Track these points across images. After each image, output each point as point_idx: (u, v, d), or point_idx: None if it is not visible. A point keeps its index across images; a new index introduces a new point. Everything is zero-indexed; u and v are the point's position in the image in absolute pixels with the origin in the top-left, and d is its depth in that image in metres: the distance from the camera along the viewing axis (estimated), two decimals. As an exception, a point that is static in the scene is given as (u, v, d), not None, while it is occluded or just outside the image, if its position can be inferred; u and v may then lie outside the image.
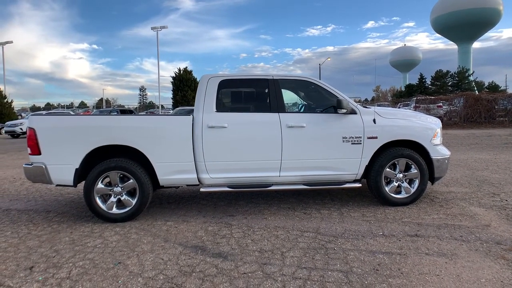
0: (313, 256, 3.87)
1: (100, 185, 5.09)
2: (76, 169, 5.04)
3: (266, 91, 5.54)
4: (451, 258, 3.72)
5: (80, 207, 5.99)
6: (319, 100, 5.96)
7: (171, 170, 5.18)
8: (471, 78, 55.26)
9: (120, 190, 5.15)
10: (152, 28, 48.79)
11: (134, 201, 5.15)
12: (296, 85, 6.26)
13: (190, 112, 5.51)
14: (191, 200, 6.38)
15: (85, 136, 5.04)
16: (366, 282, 3.27)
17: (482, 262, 3.62)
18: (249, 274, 3.48)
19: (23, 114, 48.49)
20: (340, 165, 5.42)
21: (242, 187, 5.34)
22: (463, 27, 66.85)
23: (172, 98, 44.14)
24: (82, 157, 5.02)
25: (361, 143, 5.40)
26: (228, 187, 5.30)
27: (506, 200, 5.80)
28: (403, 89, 73.32)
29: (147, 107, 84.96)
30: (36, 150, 5.00)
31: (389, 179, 5.61)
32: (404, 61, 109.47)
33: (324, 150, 5.37)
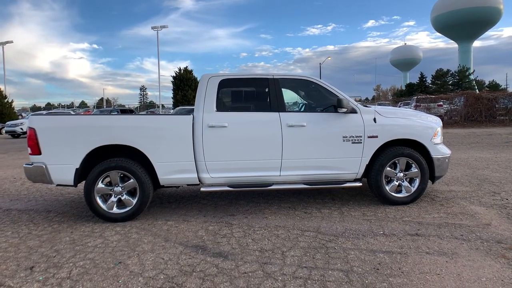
0: (314, 255, 3.86)
1: (100, 184, 5.09)
2: (77, 169, 5.04)
3: (266, 90, 5.54)
4: (452, 257, 3.72)
5: (81, 207, 5.99)
6: (319, 99, 5.96)
7: (172, 170, 5.18)
8: (472, 77, 55.21)
9: (120, 189, 5.15)
10: (153, 28, 48.76)
11: (134, 201, 5.15)
12: (296, 84, 6.26)
13: (191, 112, 5.51)
14: (191, 199, 6.38)
15: (85, 136, 5.04)
16: (366, 281, 3.27)
17: (482, 261, 3.61)
18: (250, 274, 3.48)
19: (23, 114, 48.52)
20: (341, 164, 5.42)
21: (243, 186, 5.34)
22: (464, 26, 66.79)
23: (172, 98, 44.17)
24: (83, 157, 5.02)
25: (361, 142, 5.39)
26: (229, 186, 5.30)
27: (507, 199, 5.79)
28: (403, 88, 73.41)
29: (147, 107, 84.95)
30: (36, 150, 5.00)
31: (389, 178, 5.60)
32: (404, 60, 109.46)
33: (325, 149, 5.36)
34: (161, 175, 5.17)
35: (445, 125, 23.69)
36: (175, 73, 43.69)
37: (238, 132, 5.25)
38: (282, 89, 5.59)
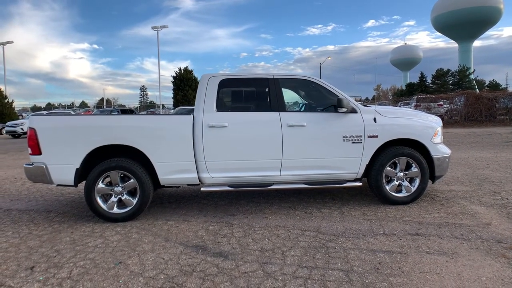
0: (314, 255, 3.87)
1: (101, 185, 5.09)
2: (77, 169, 5.04)
3: (267, 90, 5.54)
4: (452, 257, 3.72)
5: (81, 207, 5.99)
6: (319, 99, 5.95)
7: (172, 170, 5.18)
8: (472, 76, 55.24)
9: (120, 189, 5.15)
10: (153, 28, 48.74)
11: (135, 201, 5.15)
12: (297, 84, 6.26)
13: (191, 112, 5.51)
14: (192, 199, 6.38)
15: (85, 136, 5.04)
16: (366, 281, 3.27)
17: (482, 261, 3.61)
18: (250, 274, 3.48)
19: (24, 114, 48.49)
20: (341, 164, 5.42)
21: (243, 186, 5.34)
22: (464, 26, 66.87)
23: (172, 98, 44.20)
24: (83, 157, 5.02)
25: (361, 142, 5.40)
26: (229, 186, 5.30)
27: (507, 199, 5.79)
28: (404, 88, 73.47)
29: (148, 107, 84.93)
30: (36, 150, 5.01)
31: (389, 178, 5.60)
32: (404, 60, 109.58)
33: (325, 149, 5.36)
34: (161, 175, 5.17)
35: (445, 124, 23.70)
36: (175, 73, 43.74)
37: (238, 132, 5.26)
38: (282, 89, 5.59)
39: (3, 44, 52.93)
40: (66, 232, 4.83)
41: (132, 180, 5.11)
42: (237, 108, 5.80)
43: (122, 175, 5.14)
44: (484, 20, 66.20)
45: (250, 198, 6.30)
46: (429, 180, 5.70)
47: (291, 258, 3.81)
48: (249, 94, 5.99)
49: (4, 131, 29.55)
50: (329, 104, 5.54)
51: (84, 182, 5.18)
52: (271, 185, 5.36)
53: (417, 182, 5.58)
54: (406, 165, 5.56)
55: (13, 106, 42.90)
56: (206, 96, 5.36)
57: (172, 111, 37.66)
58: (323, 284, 3.24)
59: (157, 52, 50.86)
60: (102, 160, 5.15)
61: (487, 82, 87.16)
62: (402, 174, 5.56)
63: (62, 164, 5.04)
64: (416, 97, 32.58)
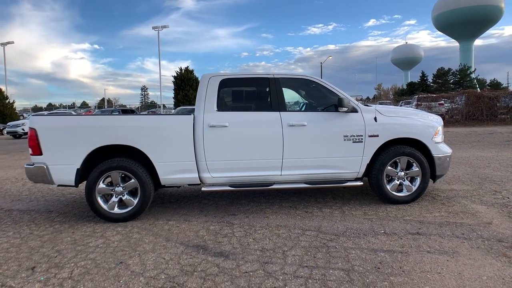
0: (315, 254, 3.87)
1: (101, 185, 5.10)
2: (78, 169, 5.04)
3: (267, 90, 5.54)
4: (453, 256, 3.71)
5: (82, 207, 6.00)
6: (320, 98, 5.95)
7: (173, 170, 5.18)
8: (473, 75, 55.22)
9: (121, 190, 5.15)
10: (153, 28, 48.80)
11: (135, 201, 5.16)
12: (297, 83, 6.26)
13: (192, 112, 5.51)
14: (192, 199, 6.39)
15: (86, 136, 5.04)
16: (367, 281, 3.27)
17: (483, 260, 3.61)
18: (251, 273, 3.48)
19: (25, 115, 48.53)
20: (342, 163, 5.42)
21: (244, 186, 5.34)
22: (465, 25, 66.80)
23: (173, 98, 44.21)
24: (84, 157, 5.02)
25: (362, 141, 5.39)
26: (230, 186, 5.30)
27: (508, 198, 5.79)
28: (404, 87, 73.48)
29: (148, 107, 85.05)
30: (37, 151, 5.01)
31: (390, 177, 5.60)
32: (405, 59, 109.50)
33: (325, 148, 5.36)
34: (162, 175, 5.17)
35: (446, 124, 23.66)
36: (176, 73, 43.76)
37: (239, 131, 5.26)
38: (283, 88, 5.59)
39: (4, 44, 52.97)
40: (67, 232, 4.84)
41: (133, 180, 5.11)
42: (238, 108, 5.80)
43: (123, 175, 5.14)
44: (485, 19, 66.16)
45: (251, 197, 6.30)
46: (430, 179, 5.69)
47: (292, 257, 3.81)
48: (249, 93, 6.00)
49: (5, 132, 29.58)
50: (329, 103, 5.54)
51: (85, 182, 5.18)
52: (272, 185, 5.36)
53: (418, 181, 5.57)
54: (407, 165, 5.55)
55: (14, 107, 42.94)
56: (207, 96, 5.36)
57: (173, 111, 37.68)
58: (324, 284, 3.24)
59: (158, 52, 50.96)
60: (103, 160, 5.15)
61: (488, 81, 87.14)
62: (403, 173, 5.56)
63: (63, 164, 5.04)
64: (417, 96, 32.61)
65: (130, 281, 3.39)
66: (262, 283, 3.29)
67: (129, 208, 5.16)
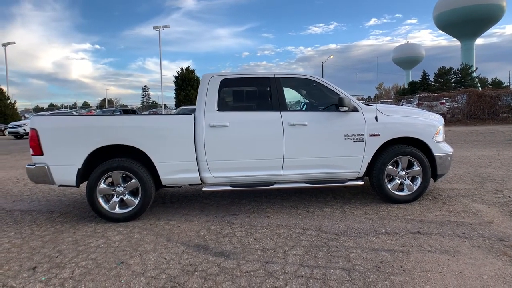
0: (316, 254, 3.87)
1: (102, 185, 5.10)
2: (79, 169, 5.05)
3: (268, 89, 5.54)
4: (454, 255, 3.71)
5: (83, 207, 6.01)
6: (320, 98, 5.95)
7: (173, 170, 5.18)
8: (474, 74, 55.11)
9: (122, 190, 5.15)
10: (154, 28, 48.90)
11: (136, 201, 5.16)
12: (298, 83, 6.26)
13: (193, 112, 5.51)
14: (193, 199, 6.39)
15: (87, 136, 5.05)
16: (368, 280, 3.27)
17: (484, 259, 3.61)
18: (251, 273, 3.49)
19: (26, 115, 48.60)
20: (342, 163, 5.42)
21: (245, 185, 5.34)
22: (466, 24, 66.65)
23: (175, 98, 44.25)
24: (84, 157, 5.03)
25: (363, 141, 5.39)
26: (231, 186, 5.31)
27: (509, 197, 5.78)
28: (406, 86, 73.37)
29: (150, 107, 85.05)
30: (38, 151, 5.02)
31: (391, 177, 5.59)
32: (407, 58, 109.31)
33: (326, 148, 5.36)
34: (163, 175, 5.18)
35: (448, 123, 23.64)
36: (177, 73, 43.82)
37: (240, 131, 5.26)
38: (284, 88, 5.59)
39: (5, 45, 53.05)
40: (68, 232, 4.85)
41: (133, 180, 5.12)
42: (239, 107, 5.80)
43: (123, 175, 5.15)
44: (486, 17, 65.99)
45: (252, 197, 6.30)
46: (431, 178, 5.69)
47: (293, 257, 3.81)
48: (250, 93, 6.00)
49: (7, 132, 29.63)
50: (330, 103, 5.54)
51: (86, 182, 5.19)
52: (272, 185, 5.36)
53: (419, 180, 5.57)
54: (408, 164, 5.55)
55: (15, 107, 43.06)
56: (207, 95, 5.36)
57: (174, 111, 37.72)
58: (324, 283, 3.24)
59: (159, 52, 51.06)
60: (104, 161, 5.16)
61: (489, 80, 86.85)
62: (404, 172, 5.56)
63: (64, 164, 5.05)
64: (418, 95, 32.61)
65: (131, 281, 3.39)
66: (263, 282, 3.29)
67: (130, 208, 5.16)
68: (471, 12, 64.76)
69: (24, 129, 26.62)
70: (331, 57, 60.89)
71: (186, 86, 42.34)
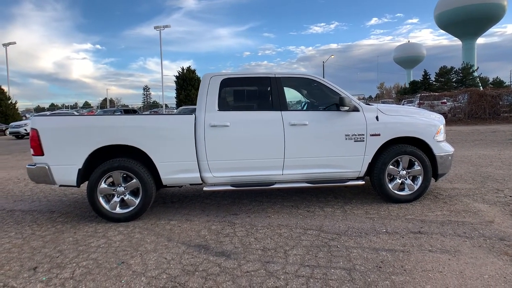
0: (316, 254, 3.86)
1: (103, 185, 5.10)
2: (79, 169, 5.05)
3: (268, 89, 5.54)
4: (454, 255, 3.71)
5: (84, 207, 6.01)
6: (321, 97, 5.95)
7: (174, 170, 5.18)
8: (476, 74, 55.10)
9: (123, 190, 5.16)
10: (155, 28, 48.99)
11: (137, 201, 5.16)
12: (298, 83, 6.26)
13: (194, 111, 5.51)
14: (194, 199, 6.39)
15: (87, 136, 5.05)
16: (369, 280, 3.27)
17: (485, 259, 3.60)
18: (252, 273, 3.49)
19: (27, 115, 48.65)
20: (343, 162, 5.41)
21: (245, 185, 5.34)
22: (467, 23, 66.55)
23: (175, 97, 44.25)
24: (85, 158, 5.03)
25: (364, 141, 5.39)
26: (231, 185, 5.30)
27: (510, 196, 5.77)
28: (407, 85, 73.36)
29: (151, 107, 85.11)
30: (39, 151, 5.02)
31: (392, 176, 5.59)
32: (408, 58, 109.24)
33: (327, 147, 5.36)
34: (163, 175, 5.18)
35: (449, 122, 23.63)
36: (178, 73, 43.81)
37: (240, 131, 5.25)
38: (285, 88, 5.59)
39: (6, 45, 53.13)
40: (69, 232, 4.85)
41: (134, 180, 5.12)
42: (239, 107, 5.80)
43: (124, 175, 5.15)
44: (487, 17, 65.89)
45: (253, 197, 6.30)
46: (432, 178, 5.68)
47: (294, 257, 3.81)
48: (251, 93, 6.00)
49: (8, 132, 29.70)
50: (331, 102, 5.53)
51: (86, 182, 5.19)
52: (273, 184, 5.36)
53: (419, 180, 5.56)
54: (409, 163, 5.54)
55: (16, 107, 43.10)
56: (208, 95, 5.36)
57: (175, 110, 37.73)
58: (325, 283, 3.24)
59: (160, 52, 51.10)
60: (105, 161, 5.16)
61: (490, 80, 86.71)
62: (404, 172, 5.55)
63: (65, 164, 5.05)
64: (419, 95, 32.55)
65: (131, 281, 3.39)
66: (264, 282, 3.29)
67: (131, 208, 5.16)
68: (472, 12, 64.67)
69: (25, 129, 26.67)
70: (332, 56, 60.87)
71: (187, 86, 42.34)
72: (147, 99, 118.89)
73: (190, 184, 5.47)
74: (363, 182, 5.51)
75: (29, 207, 6.25)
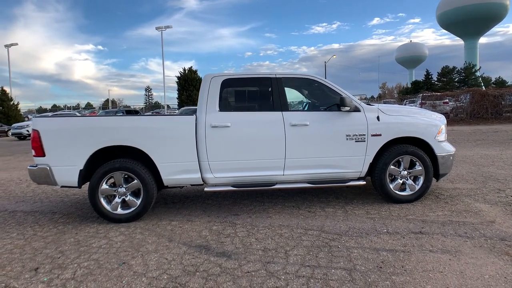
0: (317, 254, 3.87)
1: (104, 185, 5.11)
2: (81, 170, 5.06)
3: (269, 89, 5.54)
4: (455, 255, 3.70)
5: (85, 208, 6.02)
6: (322, 98, 5.95)
7: (175, 170, 5.19)
8: (478, 73, 54.95)
9: (124, 190, 5.17)
10: (157, 28, 48.94)
11: (138, 202, 5.17)
12: (299, 83, 6.26)
13: (195, 112, 5.52)
14: (195, 199, 6.40)
15: (89, 137, 5.06)
16: (369, 280, 3.27)
17: (486, 259, 3.60)
18: (253, 273, 3.49)
19: (29, 116, 48.76)
20: (344, 163, 5.41)
21: (246, 186, 5.35)
22: (470, 22, 66.51)
23: (177, 98, 44.35)
24: (86, 158, 5.04)
25: (365, 141, 5.38)
26: (232, 186, 5.31)
27: (511, 196, 5.77)
28: (409, 85, 73.22)
29: (153, 107, 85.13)
30: (40, 152, 5.04)
31: (393, 176, 5.58)
32: (410, 58, 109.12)
33: (328, 148, 5.36)
34: (164, 176, 5.19)
35: (451, 122, 23.62)
36: (180, 74, 43.90)
37: (241, 132, 5.26)
38: (286, 88, 5.59)
39: (8, 46, 53.23)
40: (71, 233, 4.86)
41: (135, 181, 5.13)
42: (240, 108, 5.80)
43: (125, 176, 5.16)
44: (489, 16, 65.82)
45: (254, 197, 6.30)
46: (433, 178, 5.67)
47: (294, 257, 3.81)
48: (251, 93, 6.00)
49: (10, 133, 29.78)
50: (332, 103, 5.53)
51: (88, 183, 5.20)
52: (274, 185, 5.36)
53: (421, 180, 5.56)
54: (410, 164, 5.54)
55: (18, 108, 43.22)
56: (209, 96, 5.36)
57: (177, 111, 37.76)
58: (325, 283, 3.24)
59: (161, 52, 51.06)
60: (106, 161, 5.17)
61: (493, 79, 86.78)
62: (406, 172, 5.55)
63: (66, 165, 5.06)
64: (421, 95, 32.51)
65: (132, 282, 3.40)
66: (264, 282, 3.29)
67: (132, 209, 5.17)
68: (475, 11, 64.63)
69: (27, 130, 26.77)
70: (334, 56, 60.82)
71: (189, 87, 42.41)
72: (149, 100, 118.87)
73: (191, 185, 5.47)
74: (364, 183, 5.50)
75: (31, 208, 6.27)
